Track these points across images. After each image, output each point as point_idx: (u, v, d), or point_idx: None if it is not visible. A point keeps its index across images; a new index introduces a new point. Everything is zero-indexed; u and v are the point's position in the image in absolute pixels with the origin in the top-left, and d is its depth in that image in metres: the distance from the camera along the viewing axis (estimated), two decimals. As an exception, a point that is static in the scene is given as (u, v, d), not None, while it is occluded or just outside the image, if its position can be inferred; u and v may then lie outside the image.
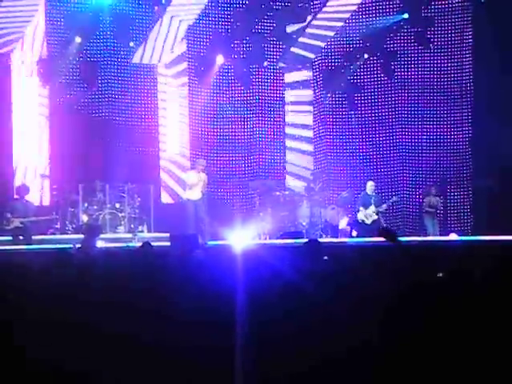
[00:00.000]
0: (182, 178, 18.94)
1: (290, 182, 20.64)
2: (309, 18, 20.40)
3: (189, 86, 20.54)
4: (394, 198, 18.94)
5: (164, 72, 20.61)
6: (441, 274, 6.53)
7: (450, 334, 4.77)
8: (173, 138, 20.69)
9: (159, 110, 20.49)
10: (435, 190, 18.61)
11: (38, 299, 5.54)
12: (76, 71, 19.77)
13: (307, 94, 21.12)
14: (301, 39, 20.61)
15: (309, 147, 21.06)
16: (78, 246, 10.91)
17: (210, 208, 17.34)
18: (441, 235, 18.21)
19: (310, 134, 21.10)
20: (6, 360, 4.90)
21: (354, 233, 18.46)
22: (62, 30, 19.52)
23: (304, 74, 21.10)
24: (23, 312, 5.32)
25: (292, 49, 20.71)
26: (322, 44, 20.60)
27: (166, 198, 20.43)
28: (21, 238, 15.75)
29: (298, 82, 21.09)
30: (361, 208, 18.10)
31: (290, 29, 20.49)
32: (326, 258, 8.48)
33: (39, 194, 19.29)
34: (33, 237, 15.96)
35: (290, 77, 21.15)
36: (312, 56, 20.76)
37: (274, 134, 20.91)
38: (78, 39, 19.46)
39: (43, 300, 5.51)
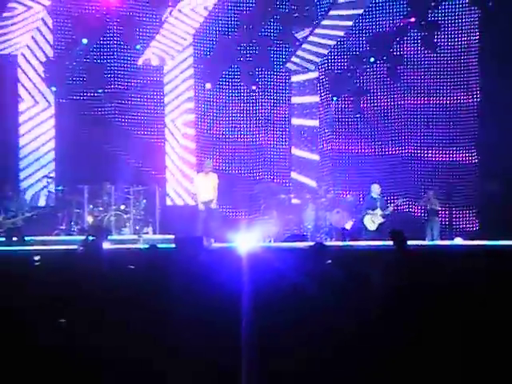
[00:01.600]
0: (192, 181, 18.97)
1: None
2: (315, 21, 20.42)
3: (195, 88, 20.58)
4: (400, 201, 18.92)
5: (170, 74, 20.64)
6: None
7: (453, 336, 4.78)
8: (179, 139, 20.73)
9: (165, 112, 20.53)
10: (433, 194, 18.54)
11: (45, 299, 5.55)
12: (82, 73, 19.82)
13: (313, 97, 21.11)
14: (307, 43, 20.62)
15: (314, 150, 21.05)
16: (84, 246, 10.92)
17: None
18: (446, 239, 18.17)
19: (315, 137, 21.07)
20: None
21: (355, 235, 18.41)
22: (69, 31, 19.59)
23: (310, 77, 21.09)
24: (26, 313, 5.33)
25: (298, 52, 20.73)
26: (328, 49, 20.60)
27: (171, 200, 20.45)
28: (14, 238, 15.75)
29: (304, 84, 21.09)
30: (367, 211, 18.07)
31: (296, 33, 20.52)
32: (329, 261, 8.50)
33: (44, 195, 19.36)
34: (32, 237, 15.96)
35: (296, 79, 21.15)
36: (318, 59, 20.78)
37: (280, 137, 20.92)
38: (84, 41, 19.52)
39: (50, 300, 5.53)
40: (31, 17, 19.66)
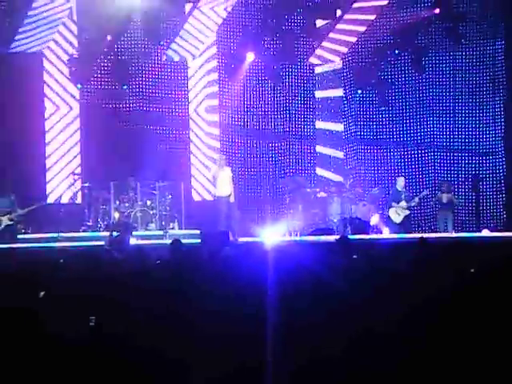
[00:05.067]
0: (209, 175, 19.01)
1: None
2: (339, 12, 20.30)
3: (219, 83, 20.59)
4: (425, 192, 18.86)
5: (194, 69, 20.67)
6: (472, 270, 6.53)
7: (483, 330, 4.74)
8: (202, 135, 20.76)
9: (189, 108, 20.57)
10: (446, 187, 18.51)
11: (72, 296, 5.58)
12: (107, 69, 19.91)
13: (337, 91, 21.04)
14: (331, 35, 20.54)
15: (339, 144, 20.98)
16: (111, 242, 10.98)
17: (240, 205, 17.34)
18: (473, 231, 18.08)
19: (340, 129, 21.00)
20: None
21: (385, 229, 18.40)
22: (93, 28, 19.66)
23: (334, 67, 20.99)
24: (52, 309, 5.35)
25: (322, 45, 20.64)
26: (351, 42, 20.50)
27: (197, 196, 20.50)
28: (7, 236, 15.90)
29: (328, 77, 20.98)
30: (393, 204, 18.04)
31: (319, 24, 20.43)
32: (355, 256, 8.49)
33: (71, 192, 19.46)
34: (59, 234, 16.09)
35: (320, 70, 21.06)
36: (344, 50, 20.69)
37: (304, 130, 20.88)
38: (108, 37, 19.59)
39: (76, 296, 5.55)
40: (56, 14, 19.74)
